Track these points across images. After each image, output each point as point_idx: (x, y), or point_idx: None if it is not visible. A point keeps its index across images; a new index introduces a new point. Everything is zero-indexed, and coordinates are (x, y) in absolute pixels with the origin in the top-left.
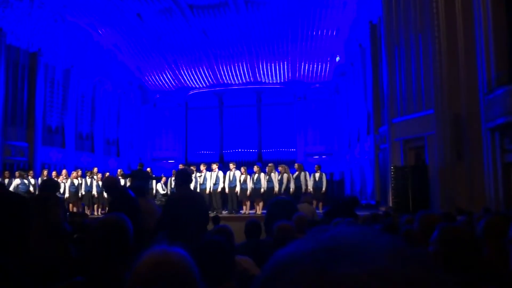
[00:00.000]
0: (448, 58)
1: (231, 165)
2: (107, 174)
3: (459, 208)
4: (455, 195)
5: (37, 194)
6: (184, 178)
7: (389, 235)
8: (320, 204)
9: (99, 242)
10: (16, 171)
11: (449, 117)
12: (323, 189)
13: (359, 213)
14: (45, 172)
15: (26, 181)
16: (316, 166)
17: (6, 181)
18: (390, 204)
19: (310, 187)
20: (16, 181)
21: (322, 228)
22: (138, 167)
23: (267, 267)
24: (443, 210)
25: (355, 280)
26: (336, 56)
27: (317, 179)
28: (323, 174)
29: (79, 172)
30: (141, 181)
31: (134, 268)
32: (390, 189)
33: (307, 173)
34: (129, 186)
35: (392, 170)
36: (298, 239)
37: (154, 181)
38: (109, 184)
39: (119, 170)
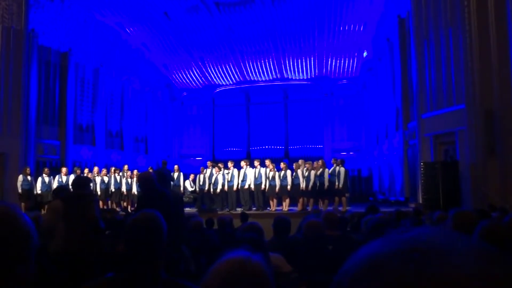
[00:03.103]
0: (479, 51)
1: (256, 162)
2: (136, 171)
3: (490, 204)
4: (488, 191)
5: (73, 192)
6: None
7: (469, 236)
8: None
9: (133, 240)
10: (49, 169)
11: (480, 111)
12: (325, 185)
13: (387, 209)
14: (77, 170)
15: (29, 178)
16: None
17: (47, 179)
18: (420, 200)
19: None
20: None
21: (401, 229)
22: (162, 165)
23: (353, 267)
24: (475, 207)
25: (456, 282)
26: (364, 51)
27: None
28: (326, 170)
29: (104, 171)
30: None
31: (213, 270)
32: (419, 185)
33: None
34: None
35: (421, 166)
36: (328, 236)
37: (181, 178)
38: (143, 180)
39: (149, 168)
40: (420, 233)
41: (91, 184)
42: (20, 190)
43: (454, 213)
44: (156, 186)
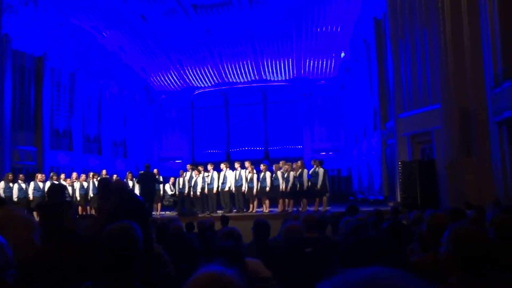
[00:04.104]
0: (454, 52)
1: (236, 164)
2: (115, 176)
3: (467, 202)
4: (465, 189)
5: (49, 200)
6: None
7: (419, 278)
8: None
9: (108, 251)
10: (24, 175)
11: (456, 111)
12: (305, 185)
13: (366, 208)
14: (54, 176)
15: (11, 185)
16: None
17: (23, 185)
18: (398, 199)
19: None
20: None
21: (356, 268)
22: (145, 169)
23: None
24: (452, 205)
25: None
26: (341, 52)
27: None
28: (305, 171)
29: (83, 177)
30: (149, 183)
31: (187, 285)
32: (398, 184)
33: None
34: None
35: (399, 165)
36: (307, 238)
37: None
38: (117, 189)
39: (128, 172)
40: (369, 273)
41: (67, 192)
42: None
43: (428, 215)
44: (131, 194)
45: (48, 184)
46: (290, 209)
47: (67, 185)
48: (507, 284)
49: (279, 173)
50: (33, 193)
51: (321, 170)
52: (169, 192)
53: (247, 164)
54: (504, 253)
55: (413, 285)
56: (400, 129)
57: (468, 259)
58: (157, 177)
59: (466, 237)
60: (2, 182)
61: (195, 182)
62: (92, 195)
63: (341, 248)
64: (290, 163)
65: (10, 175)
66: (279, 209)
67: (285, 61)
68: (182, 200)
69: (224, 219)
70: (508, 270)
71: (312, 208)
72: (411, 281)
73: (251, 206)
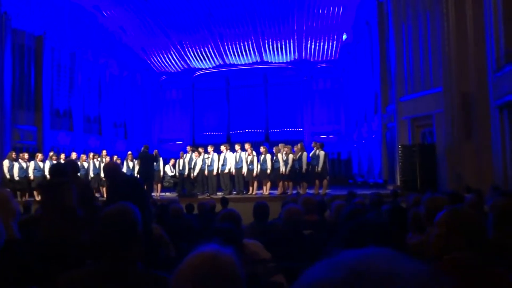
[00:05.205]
0: (456, 35)
1: (237, 146)
2: (115, 157)
3: (467, 186)
4: (462, 172)
5: (50, 180)
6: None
7: (416, 260)
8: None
9: (107, 233)
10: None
11: (457, 95)
12: (303, 168)
13: (366, 192)
14: (54, 156)
15: (14, 163)
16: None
17: (24, 164)
18: (398, 183)
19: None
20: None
21: (350, 251)
22: (144, 149)
23: None
24: (451, 189)
25: None
26: (343, 34)
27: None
28: (304, 154)
29: (83, 157)
30: (147, 164)
31: (183, 263)
32: (397, 168)
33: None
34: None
35: (399, 149)
36: (307, 221)
37: (161, 163)
38: (110, 171)
39: (129, 153)
40: (365, 255)
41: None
42: (8, 176)
43: (426, 199)
44: (125, 175)
45: (47, 164)
46: (289, 192)
47: None
48: (505, 266)
49: (279, 156)
50: (33, 172)
51: (321, 153)
52: (169, 174)
53: (247, 146)
54: (503, 238)
55: (409, 267)
56: (401, 112)
57: (461, 239)
58: (156, 157)
59: (459, 219)
60: (7, 161)
61: (195, 164)
62: (92, 175)
63: (339, 232)
64: (290, 146)
65: (13, 153)
66: (278, 191)
67: (286, 43)
68: (182, 182)
69: (224, 201)
70: (507, 254)
71: (312, 191)
72: (407, 262)
73: (250, 188)
